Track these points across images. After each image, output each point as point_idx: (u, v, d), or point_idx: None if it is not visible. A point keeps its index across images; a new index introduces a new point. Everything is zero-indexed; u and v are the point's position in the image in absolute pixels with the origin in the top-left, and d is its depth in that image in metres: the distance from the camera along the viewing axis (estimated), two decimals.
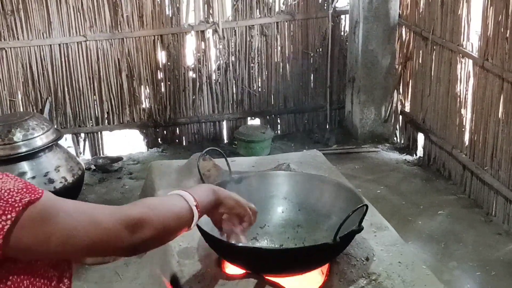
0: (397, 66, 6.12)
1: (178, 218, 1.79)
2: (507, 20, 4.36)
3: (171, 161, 4.33)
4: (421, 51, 5.68)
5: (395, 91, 6.18)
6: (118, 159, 5.87)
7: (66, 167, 4.67)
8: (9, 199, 1.42)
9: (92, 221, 1.56)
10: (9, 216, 1.41)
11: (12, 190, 1.44)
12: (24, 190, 1.46)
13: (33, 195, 1.45)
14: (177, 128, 6.32)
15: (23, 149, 4.48)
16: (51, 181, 4.51)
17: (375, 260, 2.65)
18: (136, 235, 1.62)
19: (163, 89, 6.15)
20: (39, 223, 1.46)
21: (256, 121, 6.53)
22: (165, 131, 6.30)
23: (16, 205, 1.42)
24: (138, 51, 5.96)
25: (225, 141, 6.43)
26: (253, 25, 6.15)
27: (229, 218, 2.13)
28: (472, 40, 4.98)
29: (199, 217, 1.87)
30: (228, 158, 3.10)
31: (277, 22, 6.19)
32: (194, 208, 1.83)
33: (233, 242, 2.23)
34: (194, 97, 6.24)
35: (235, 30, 6.12)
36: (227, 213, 2.10)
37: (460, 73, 5.09)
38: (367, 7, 5.88)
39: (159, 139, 6.31)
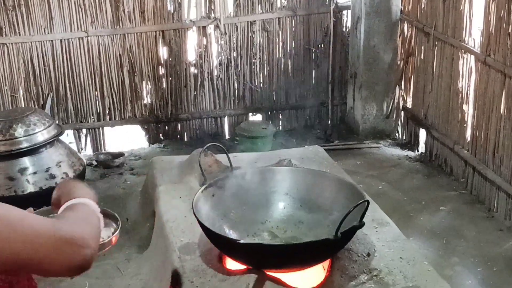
0: (399, 62, 6.11)
1: (98, 227, 1.73)
2: (509, 15, 4.35)
3: (172, 157, 4.34)
4: (423, 47, 5.67)
5: (397, 87, 6.17)
6: (120, 154, 5.87)
7: (68, 163, 4.68)
8: None
9: (28, 239, 1.44)
10: None
11: None
12: None
13: None
14: (179, 124, 6.32)
15: (25, 145, 4.48)
16: (52, 176, 4.51)
17: (376, 256, 2.65)
18: (81, 254, 1.53)
19: (164, 85, 6.15)
20: None
21: (258, 117, 6.52)
22: (166, 127, 6.30)
23: None
24: (140, 46, 5.95)
25: (227, 137, 6.43)
26: (254, 21, 6.14)
27: None
28: (474, 35, 4.97)
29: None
30: (229, 154, 3.11)
31: (278, 18, 6.18)
32: (100, 216, 1.78)
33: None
34: (195, 93, 6.23)
35: (237, 26, 6.11)
36: None
37: (462, 68, 5.08)
38: (369, 3, 5.87)
39: (160, 134, 6.31)
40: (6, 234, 1.41)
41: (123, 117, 6.14)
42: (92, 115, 6.06)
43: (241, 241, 2.36)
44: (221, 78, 6.24)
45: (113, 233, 2.19)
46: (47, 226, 1.49)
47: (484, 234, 4.50)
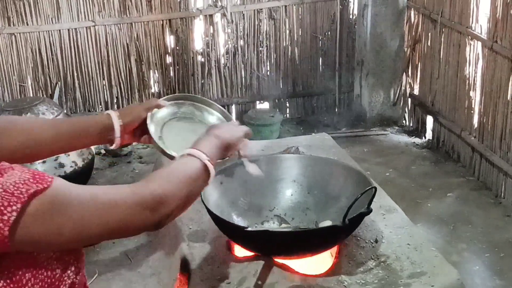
0: (405, 49, 6.10)
1: (196, 181, 1.79)
2: None
3: None
4: (429, 34, 5.66)
5: (404, 74, 6.17)
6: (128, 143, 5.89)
7: (76, 152, 4.69)
8: (15, 191, 1.38)
9: (109, 208, 1.52)
10: (14, 208, 1.37)
11: (17, 182, 1.40)
12: (31, 180, 1.41)
13: (40, 185, 1.41)
14: None
15: None
16: (61, 165, 4.54)
17: (384, 242, 2.67)
18: (158, 213, 1.60)
19: (172, 74, 6.16)
20: (49, 214, 1.42)
21: (265, 105, 6.53)
22: None
23: (22, 196, 1.38)
24: (147, 35, 5.96)
25: None
26: (261, 9, 6.14)
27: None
28: (481, 22, 4.96)
29: (214, 169, 1.88)
30: None
31: (285, 6, 6.18)
32: (209, 164, 1.83)
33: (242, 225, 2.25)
34: (203, 81, 6.24)
35: (244, 14, 6.11)
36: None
37: (469, 55, 5.08)
38: None
39: None
40: (92, 207, 1.49)
41: None
42: (100, 104, 6.09)
43: (249, 229, 2.37)
44: (228, 67, 6.25)
45: None
46: (123, 195, 1.58)
47: (491, 220, 4.51)
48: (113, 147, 2.17)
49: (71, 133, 2.05)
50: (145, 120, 2.23)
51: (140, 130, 2.25)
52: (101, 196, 1.54)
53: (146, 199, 1.58)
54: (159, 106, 2.31)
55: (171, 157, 2.25)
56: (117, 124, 2.12)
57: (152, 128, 2.27)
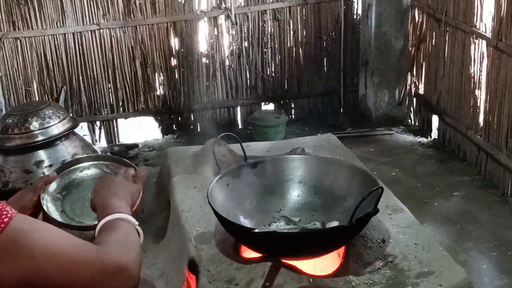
0: (410, 48, 6.10)
1: (140, 246, 1.66)
2: None
3: (186, 147, 4.36)
4: (434, 33, 5.66)
5: (409, 73, 6.16)
6: (134, 146, 5.90)
7: (83, 155, 4.70)
8: None
9: (66, 266, 1.39)
10: None
11: None
12: None
13: None
14: (192, 115, 6.34)
15: (40, 138, 4.51)
16: None
17: (391, 242, 2.67)
18: (127, 284, 1.48)
19: (177, 76, 6.17)
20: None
21: (270, 106, 6.54)
22: (179, 118, 6.33)
23: None
24: (152, 38, 5.97)
25: (240, 126, 6.45)
26: (265, 10, 6.15)
27: None
28: (485, 20, 4.96)
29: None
30: (243, 143, 3.12)
31: (289, 7, 6.19)
32: (139, 229, 1.71)
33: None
34: (208, 83, 6.25)
35: (248, 16, 6.12)
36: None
37: (474, 54, 5.07)
38: None
39: (174, 125, 6.34)
40: (44, 265, 1.37)
41: (136, 109, 6.18)
42: (106, 107, 6.10)
43: (256, 230, 2.37)
44: (233, 68, 6.26)
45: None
46: (90, 255, 1.45)
47: (498, 219, 4.50)
48: None
49: None
50: (39, 202, 2.08)
51: (39, 213, 2.08)
52: (61, 250, 1.41)
53: (109, 267, 1.46)
54: (48, 181, 2.15)
55: (83, 228, 2.12)
56: None
57: (50, 207, 2.13)
